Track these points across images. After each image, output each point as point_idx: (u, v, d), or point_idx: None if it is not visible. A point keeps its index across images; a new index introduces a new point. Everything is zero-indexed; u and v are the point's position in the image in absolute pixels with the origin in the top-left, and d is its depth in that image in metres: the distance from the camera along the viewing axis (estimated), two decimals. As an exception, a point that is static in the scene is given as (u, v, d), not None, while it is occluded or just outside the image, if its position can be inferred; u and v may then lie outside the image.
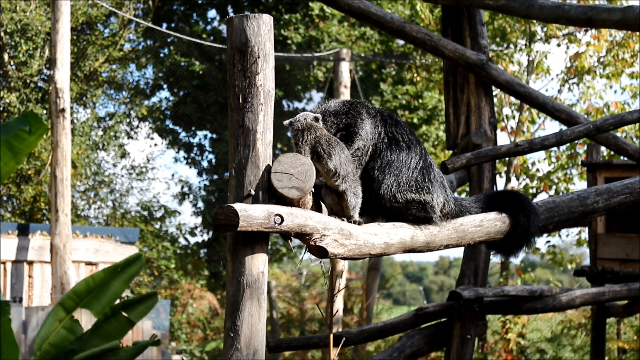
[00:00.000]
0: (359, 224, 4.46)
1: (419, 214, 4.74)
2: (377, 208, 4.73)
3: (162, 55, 25.18)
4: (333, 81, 19.45)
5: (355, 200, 4.43)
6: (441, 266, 64.30)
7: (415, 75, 23.39)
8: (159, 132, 26.18)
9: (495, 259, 16.96)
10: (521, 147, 7.11)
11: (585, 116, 12.46)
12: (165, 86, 25.97)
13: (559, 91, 21.68)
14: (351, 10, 9.10)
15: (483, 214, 5.05)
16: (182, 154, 26.81)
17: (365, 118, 4.72)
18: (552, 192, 20.86)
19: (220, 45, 20.92)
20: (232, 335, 4.08)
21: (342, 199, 4.41)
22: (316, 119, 4.52)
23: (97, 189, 22.97)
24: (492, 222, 5.02)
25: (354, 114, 4.71)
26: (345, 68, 18.85)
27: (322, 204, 4.52)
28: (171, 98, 26.03)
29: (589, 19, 8.11)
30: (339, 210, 4.44)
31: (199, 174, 26.69)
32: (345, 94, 18.57)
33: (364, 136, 4.68)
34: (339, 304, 18.53)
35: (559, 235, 20.83)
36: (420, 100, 24.09)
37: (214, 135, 26.04)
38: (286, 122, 4.53)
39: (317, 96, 26.54)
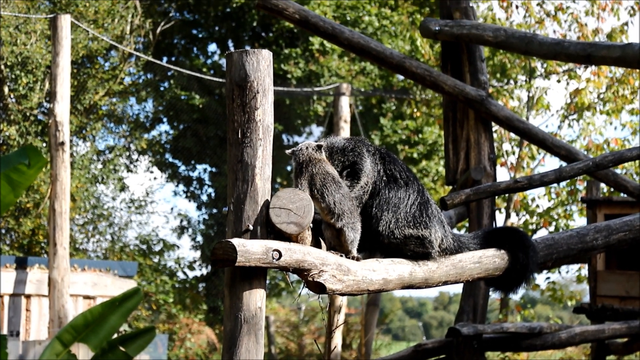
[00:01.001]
0: (358, 259, 4.45)
1: (417, 249, 4.73)
2: (376, 244, 4.72)
3: (162, 88, 25.25)
4: (333, 116, 19.46)
5: (353, 235, 4.41)
6: (441, 302, 64.19)
7: (415, 110, 23.43)
8: (159, 165, 26.20)
9: (495, 296, 16.91)
10: (520, 183, 7.09)
11: (585, 152, 12.49)
12: (165, 120, 26.03)
13: (559, 127, 21.72)
14: (351, 45, 9.13)
15: (482, 250, 5.02)
16: (181, 187, 26.82)
17: (366, 157, 4.72)
18: (552, 229, 20.82)
19: (221, 79, 20.96)
20: (229, 371, 4.05)
21: (341, 233, 4.40)
22: (319, 147, 4.50)
23: (96, 223, 22.94)
24: (490, 259, 5.00)
25: (358, 152, 4.71)
26: (345, 103, 18.86)
27: (321, 240, 4.51)
28: (171, 131, 26.07)
29: (588, 55, 8.14)
30: (337, 244, 4.43)
31: (198, 207, 26.66)
32: (345, 129, 18.57)
33: (367, 172, 4.68)
34: (337, 340, 18.42)
35: (559, 272, 20.76)
36: (420, 135, 24.12)
37: (214, 169, 26.05)
38: (288, 152, 4.52)
39: (317, 130, 26.59)
